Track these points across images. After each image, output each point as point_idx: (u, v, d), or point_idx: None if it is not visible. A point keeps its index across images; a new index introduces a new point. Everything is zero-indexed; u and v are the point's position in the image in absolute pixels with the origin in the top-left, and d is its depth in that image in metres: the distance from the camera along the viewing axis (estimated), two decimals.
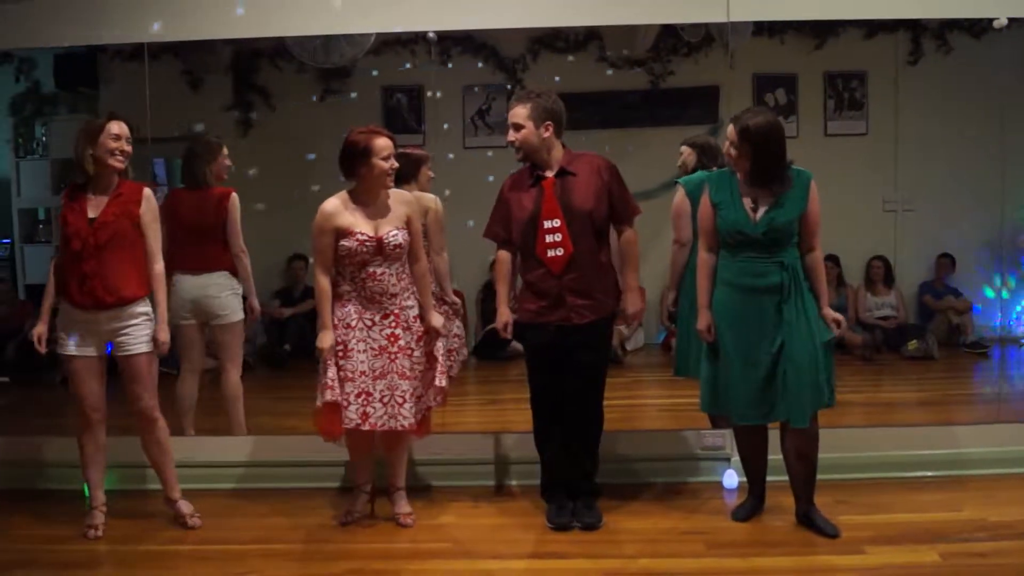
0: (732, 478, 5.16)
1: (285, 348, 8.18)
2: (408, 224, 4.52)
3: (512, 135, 4.54)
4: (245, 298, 5.62)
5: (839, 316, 4.35)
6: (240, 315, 5.56)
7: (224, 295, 5.48)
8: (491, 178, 8.05)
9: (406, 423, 4.41)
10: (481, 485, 5.30)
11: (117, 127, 4.55)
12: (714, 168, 5.25)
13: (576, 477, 4.68)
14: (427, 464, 5.28)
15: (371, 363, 4.44)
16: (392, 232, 4.45)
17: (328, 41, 6.56)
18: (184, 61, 8.62)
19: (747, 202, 4.30)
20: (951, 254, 9.07)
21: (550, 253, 4.43)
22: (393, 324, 4.46)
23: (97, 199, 4.55)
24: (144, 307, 4.61)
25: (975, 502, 4.75)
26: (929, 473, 5.21)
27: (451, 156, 8.94)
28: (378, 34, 6.69)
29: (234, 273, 5.53)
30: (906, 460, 5.24)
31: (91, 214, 4.52)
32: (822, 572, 4.00)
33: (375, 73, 8.90)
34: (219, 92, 9.01)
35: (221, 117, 9.03)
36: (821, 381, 4.25)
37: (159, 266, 4.65)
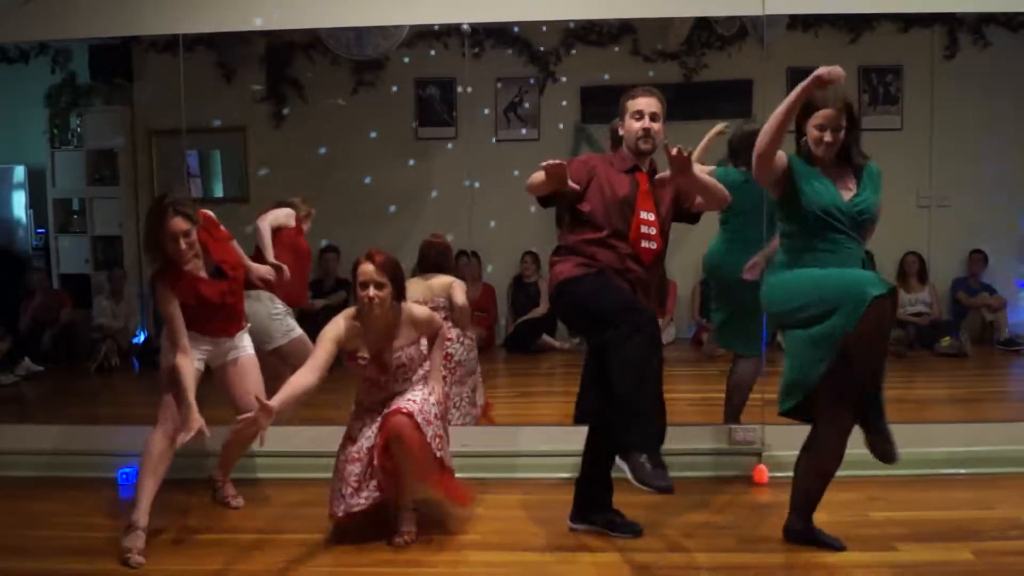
0: (763, 473, 5.15)
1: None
2: None
3: (651, 124, 4.28)
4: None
5: None
6: (284, 339, 5.70)
7: (263, 322, 5.58)
8: (517, 172, 8.07)
9: None
10: (512, 478, 5.32)
11: (172, 228, 4.33)
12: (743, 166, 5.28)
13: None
14: (458, 456, 5.28)
15: None
16: None
17: (362, 33, 6.59)
18: (218, 53, 8.68)
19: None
20: (983, 250, 9.01)
21: (644, 244, 4.25)
22: None
23: (194, 264, 4.49)
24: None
25: (1009, 500, 4.72)
26: (962, 471, 5.18)
27: (482, 150, 8.97)
28: (411, 26, 6.71)
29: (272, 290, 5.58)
30: (939, 457, 5.20)
31: (202, 274, 4.53)
32: (854, 568, 3.98)
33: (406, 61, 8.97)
34: (253, 84, 9.06)
35: (254, 109, 9.09)
36: None
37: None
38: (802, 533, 4.22)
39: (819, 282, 3.92)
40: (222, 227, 4.77)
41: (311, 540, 4.43)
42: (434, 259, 5.87)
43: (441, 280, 5.75)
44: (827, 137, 3.96)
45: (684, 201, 4.40)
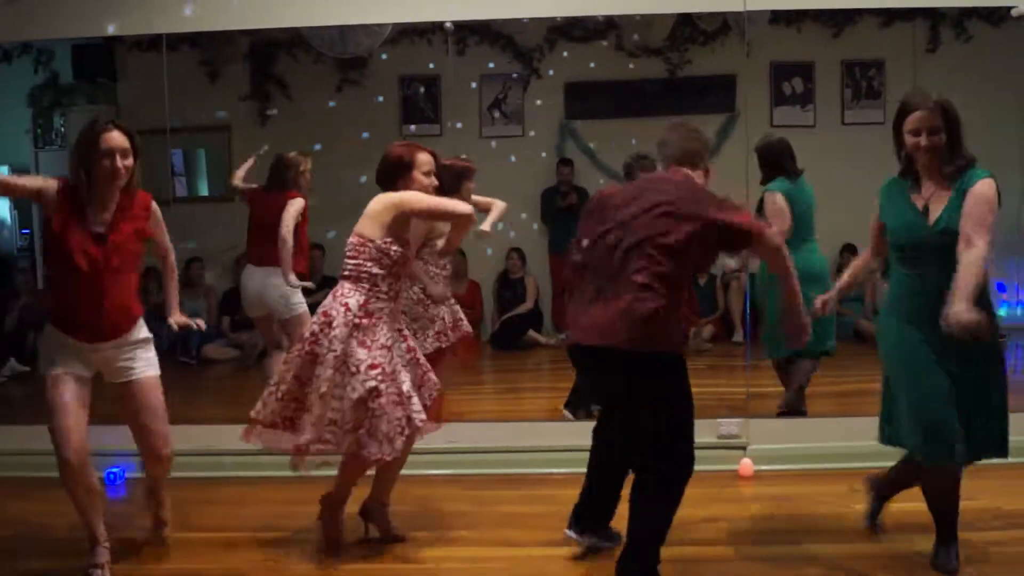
0: (748, 467, 5.18)
1: None
2: None
3: None
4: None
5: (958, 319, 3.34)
6: (300, 309, 5.90)
7: (281, 292, 5.85)
8: (502, 168, 8.07)
9: None
10: (497, 473, 5.33)
11: (109, 140, 3.83)
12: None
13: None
14: (444, 452, 5.31)
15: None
16: None
17: (346, 31, 6.59)
18: (202, 52, 8.67)
19: (919, 204, 3.75)
20: None
21: None
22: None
23: (94, 209, 3.86)
24: (145, 330, 4.10)
25: (990, 491, 4.73)
26: None
27: (467, 147, 8.97)
28: (395, 24, 6.71)
29: (296, 269, 5.83)
30: None
31: (96, 228, 3.86)
32: (839, 559, 4.01)
33: (385, 59, 8.97)
34: (237, 82, 9.05)
35: (239, 107, 9.07)
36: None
37: (172, 257, 4.33)
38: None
39: (921, 392, 3.80)
40: (158, 216, 4.18)
41: (299, 538, 4.44)
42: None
43: None
44: (923, 141, 3.64)
45: None
